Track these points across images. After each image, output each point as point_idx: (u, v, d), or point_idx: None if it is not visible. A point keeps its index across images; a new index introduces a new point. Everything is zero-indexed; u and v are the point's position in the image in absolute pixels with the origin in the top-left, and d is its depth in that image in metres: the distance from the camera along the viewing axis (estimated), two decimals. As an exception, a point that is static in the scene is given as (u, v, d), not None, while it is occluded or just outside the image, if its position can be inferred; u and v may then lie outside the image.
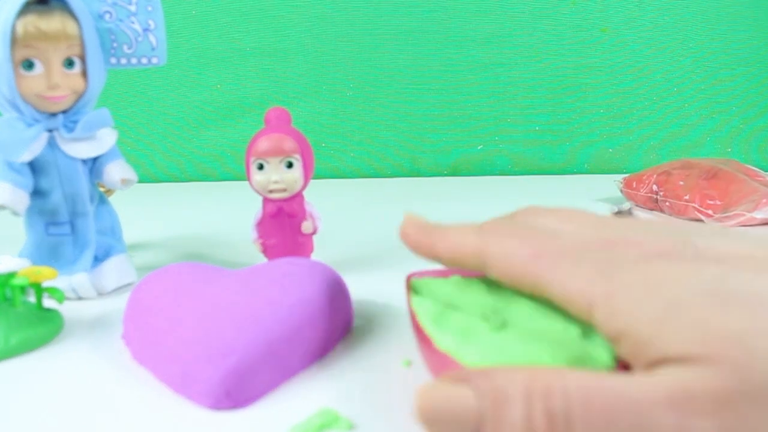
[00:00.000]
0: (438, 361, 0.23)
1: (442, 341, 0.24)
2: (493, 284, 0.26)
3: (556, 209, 0.25)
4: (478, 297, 0.26)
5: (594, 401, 0.17)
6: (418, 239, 0.27)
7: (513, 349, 0.22)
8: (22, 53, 0.35)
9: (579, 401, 0.17)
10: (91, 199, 0.40)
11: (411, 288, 0.28)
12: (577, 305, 0.20)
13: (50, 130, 0.37)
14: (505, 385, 0.18)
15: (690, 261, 0.20)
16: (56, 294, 0.34)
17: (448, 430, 0.18)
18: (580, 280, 0.20)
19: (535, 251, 0.22)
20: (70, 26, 0.36)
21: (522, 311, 0.24)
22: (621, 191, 0.66)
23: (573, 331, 0.22)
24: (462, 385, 0.19)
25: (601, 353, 0.21)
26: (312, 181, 0.41)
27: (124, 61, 0.40)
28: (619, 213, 0.24)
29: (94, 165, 0.40)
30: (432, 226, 0.27)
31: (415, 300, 0.27)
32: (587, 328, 0.22)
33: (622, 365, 0.21)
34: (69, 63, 0.37)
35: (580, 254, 0.21)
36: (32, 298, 0.34)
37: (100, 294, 0.39)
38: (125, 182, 0.41)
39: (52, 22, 0.35)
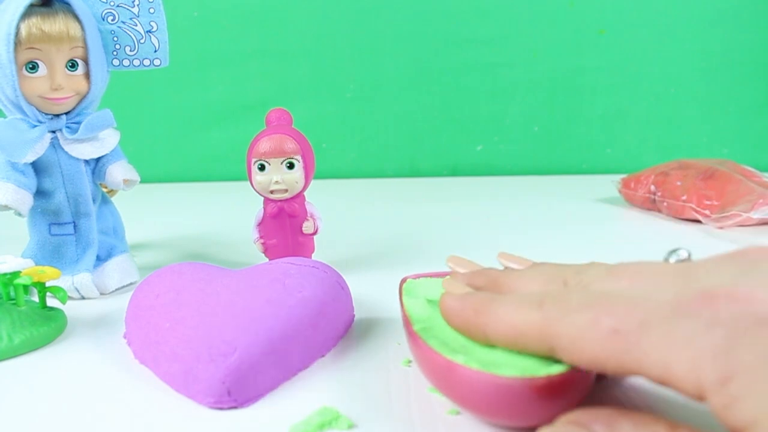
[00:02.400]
0: (424, 356, 0.24)
1: (429, 339, 0.24)
2: None
3: (614, 266, 0.22)
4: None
5: None
6: (465, 320, 0.23)
7: (476, 346, 0.23)
8: (26, 55, 0.35)
9: None
10: (94, 200, 0.40)
11: (404, 290, 0.30)
12: (684, 389, 0.17)
13: (53, 131, 0.38)
14: None
15: None
16: (59, 293, 0.34)
17: None
18: (683, 358, 0.17)
19: (615, 325, 0.18)
20: (73, 28, 0.36)
21: None
22: (619, 191, 0.66)
23: None
24: (582, 430, 0.18)
25: None
26: (313, 182, 0.41)
27: (126, 62, 0.40)
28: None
29: (96, 165, 0.40)
30: (479, 300, 0.23)
31: (407, 301, 0.28)
32: None
33: None
34: (72, 65, 0.37)
35: (673, 319, 0.18)
36: (35, 298, 0.35)
37: (103, 293, 0.40)
38: (128, 183, 0.41)
39: (56, 24, 0.35)
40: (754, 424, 0.16)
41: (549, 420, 0.21)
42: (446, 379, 0.23)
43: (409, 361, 0.29)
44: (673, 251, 0.25)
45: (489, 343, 0.23)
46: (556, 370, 0.21)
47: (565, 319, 0.20)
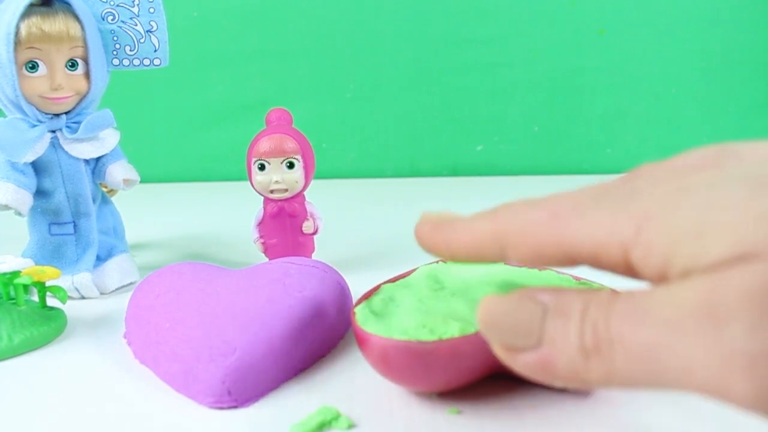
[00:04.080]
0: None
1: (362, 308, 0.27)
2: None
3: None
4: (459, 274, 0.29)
5: (630, 318, 0.16)
6: (431, 239, 0.23)
7: (399, 313, 0.25)
8: (26, 55, 0.35)
9: (617, 315, 0.17)
10: (94, 200, 0.40)
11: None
12: (613, 254, 0.18)
13: (53, 131, 0.38)
14: (569, 303, 0.18)
15: (728, 166, 0.17)
16: (59, 293, 0.34)
17: (510, 338, 0.19)
18: (605, 224, 0.18)
19: (554, 211, 0.19)
20: (73, 28, 0.36)
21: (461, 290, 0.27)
22: (620, 191, 0.66)
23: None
24: (530, 299, 0.19)
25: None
26: (313, 181, 0.41)
27: (126, 62, 0.40)
28: None
29: (96, 165, 0.40)
30: (445, 222, 0.24)
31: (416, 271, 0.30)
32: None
33: None
34: (72, 64, 0.37)
35: (600, 196, 0.19)
36: (35, 297, 0.35)
37: (103, 293, 0.40)
38: (128, 182, 0.41)
39: (56, 24, 0.35)
40: (669, 261, 0.16)
41: (422, 384, 0.25)
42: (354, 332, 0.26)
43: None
44: None
45: (456, 260, 0.23)
46: (430, 337, 0.23)
47: (513, 218, 0.20)
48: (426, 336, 0.24)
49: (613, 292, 0.17)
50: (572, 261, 0.19)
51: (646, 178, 0.19)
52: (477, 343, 0.23)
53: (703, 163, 0.18)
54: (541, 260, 0.20)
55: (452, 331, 0.24)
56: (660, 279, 0.17)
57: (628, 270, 0.18)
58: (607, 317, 0.17)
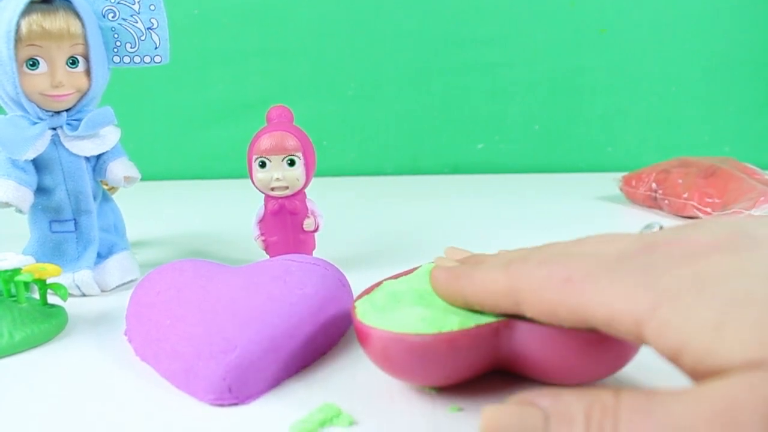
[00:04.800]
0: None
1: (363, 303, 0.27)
2: None
3: (596, 235, 0.23)
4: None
5: (639, 423, 0.17)
6: (447, 288, 0.25)
7: (397, 307, 0.25)
8: (27, 52, 0.35)
9: (627, 422, 0.17)
10: (95, 197, 0.40)
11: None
12: (625, 327, 0.18)
13: (54, 128, 0.38)
14: (570, 408, 0.18)
15: (745, 251, 0.18)
16: (60, 291, 0.34)
17: None
18: (621, 296, 0.18)
19: (567, 275, 0.20)
20: (74, 25, 0.36)
21: None
22: (620, 189, 0.66)
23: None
24: (530, 406, 0.19)
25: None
26: (314, 179, 0.41)
27: (127, 59, 0.40)
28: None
29: (97, 163, 0.40)
30: (460, 269, 0.25)
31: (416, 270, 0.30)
32: None
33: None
34: (72, 62, 0.37)
35: (617, 266, 0.19)
36: (36, 295, 0.35)
37: (104, 291, 0.40)
38: (128, 180, 0.41)
39: (56, 21, 0.35)
40: (683, 345, 0.17)
41: (415, 377, 0.25)
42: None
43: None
44: (647, 225, 0.26)
45: (469, 307, 0.24)
46: (429, 331, 0.23)
47: (526, 275, 0.21)
48: (425, 329, 0.23)
49: (615, 393, 0.17)
50: (585, 324, 0.20)
51: (661, 255, 0.19)
52: (476, 337, 0.24)
53: (717, 244, 0.18)
54: (555, 320, 0.21)
55: (451, 324, 0.24)
56: (671, 358, 0.17)
57: (639, 340, 0.18)
58: (615, 425, 0.17)
